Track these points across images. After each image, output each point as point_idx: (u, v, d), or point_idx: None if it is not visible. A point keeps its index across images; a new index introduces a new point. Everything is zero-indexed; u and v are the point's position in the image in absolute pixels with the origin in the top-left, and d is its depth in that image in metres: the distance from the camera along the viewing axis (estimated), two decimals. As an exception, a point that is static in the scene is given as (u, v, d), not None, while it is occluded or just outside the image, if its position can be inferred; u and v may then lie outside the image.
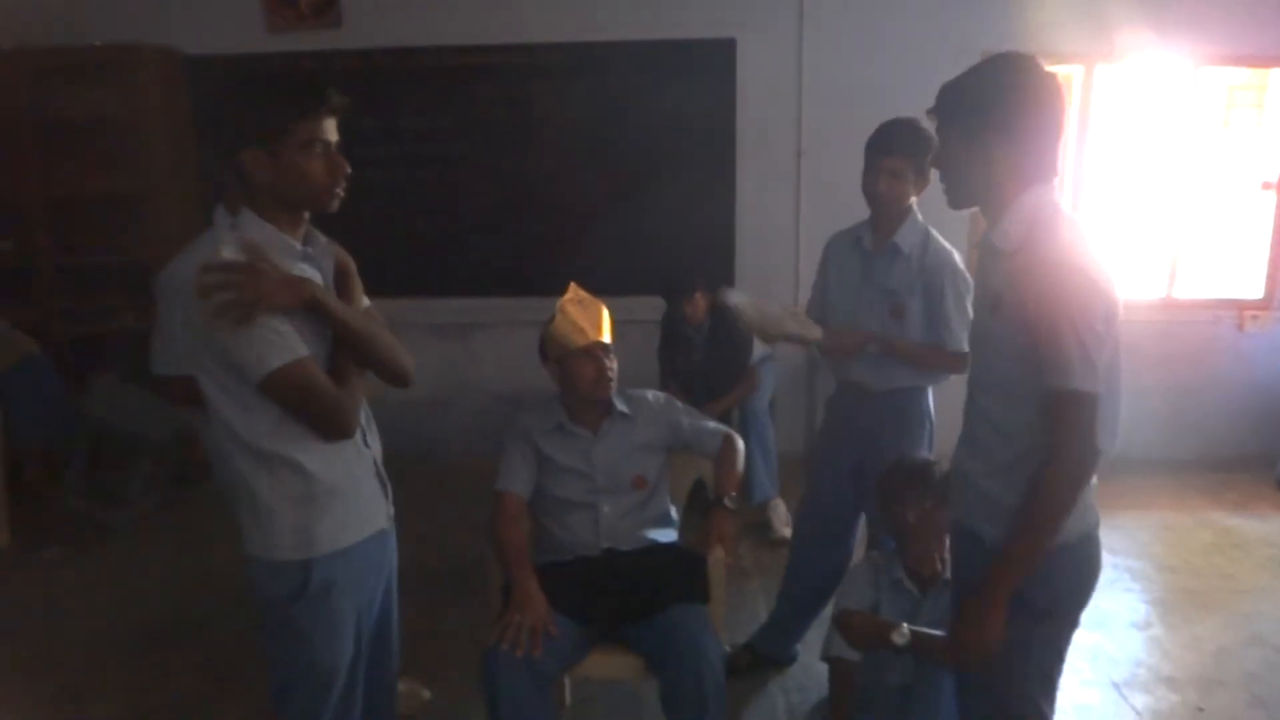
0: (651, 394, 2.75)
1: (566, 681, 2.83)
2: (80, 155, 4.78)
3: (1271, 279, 5.06)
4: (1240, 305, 5.07)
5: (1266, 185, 4.99)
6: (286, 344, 1.69)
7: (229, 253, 1.68)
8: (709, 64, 4.87)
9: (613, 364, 2.58)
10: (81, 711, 2.97)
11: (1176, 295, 5.08)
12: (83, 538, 4.21)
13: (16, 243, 4.82)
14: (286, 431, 1.75)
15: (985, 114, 1.72)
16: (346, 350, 1.82)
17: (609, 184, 5.04)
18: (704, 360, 4.30)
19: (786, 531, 4.25)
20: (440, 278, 5.19)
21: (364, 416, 1.91)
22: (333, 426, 1.79)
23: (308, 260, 1.82)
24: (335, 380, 1.78)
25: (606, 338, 2.57)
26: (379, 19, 4.91)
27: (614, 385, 2.60)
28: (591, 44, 4.89)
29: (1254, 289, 5.10)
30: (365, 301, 1.98)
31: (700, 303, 4.22)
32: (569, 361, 2.55)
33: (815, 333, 2.82)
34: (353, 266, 1.95)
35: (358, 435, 1.87)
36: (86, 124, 4.72)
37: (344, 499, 1.85)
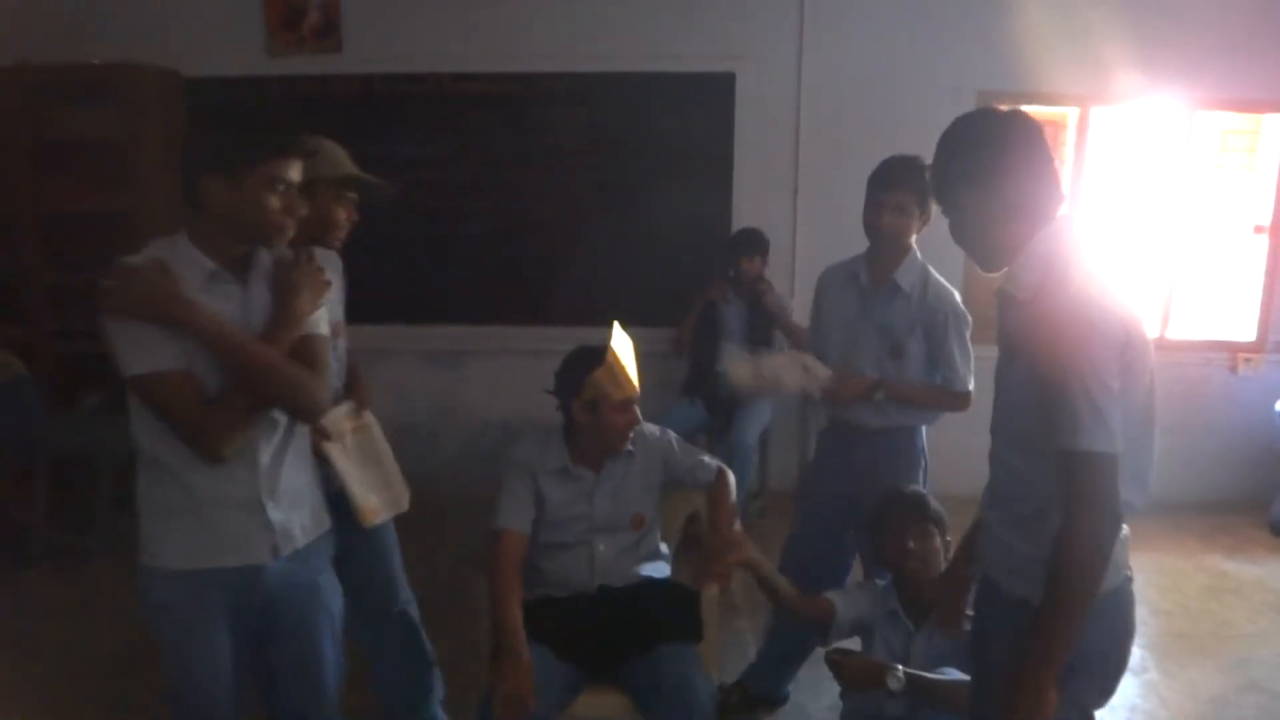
0: (649, 426, 2.70)
1: None
2: (75, 173, 4.75)
3: (1263, 322, 5.07)
4: (1233, 348, 5.08)
5: (1258, 229, 5.01)
6: (152, 354, 1.75)
7: (132, 259, 1.78)
8: (708, 97, 4.88)
9: (639, 417, 2.54)
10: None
11: (1170, 336, 5.08)
12: (61, 559, 4.14)
13: (7, 260, 4.78)
14: (164, 435, 1.81)
15: (966, 177, 1.72)
16: (232, 376, 1.82)
17: (606, 215, 5.04)
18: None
19: None
20: (433, 305, 5.16)
21: (265, 452, 1.89)
22: (193, 447, 1.80)
23: (216, 280, 1.83)
24: (219, 403, 1.79)
25: (637, 388, 2.52)
26: (379, 44, 4.92)
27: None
28: (591, 74, 4.91)
29: (1246, 332, 5.11)
30: (318, 327, 1.95)
31: (757, 266, 4.47)
32: (604, 409, 2.46)
33: (821, 373, 2.77)
34: (291, 288, 1.90)
35: (238, 464, 1.85)
36: (83, 142, 4.70)
37: (200, 521, 1.85)
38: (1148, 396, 1.68)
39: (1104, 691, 1.80)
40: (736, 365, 2.94)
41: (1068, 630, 1.61)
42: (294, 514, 1.96)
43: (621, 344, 2.51)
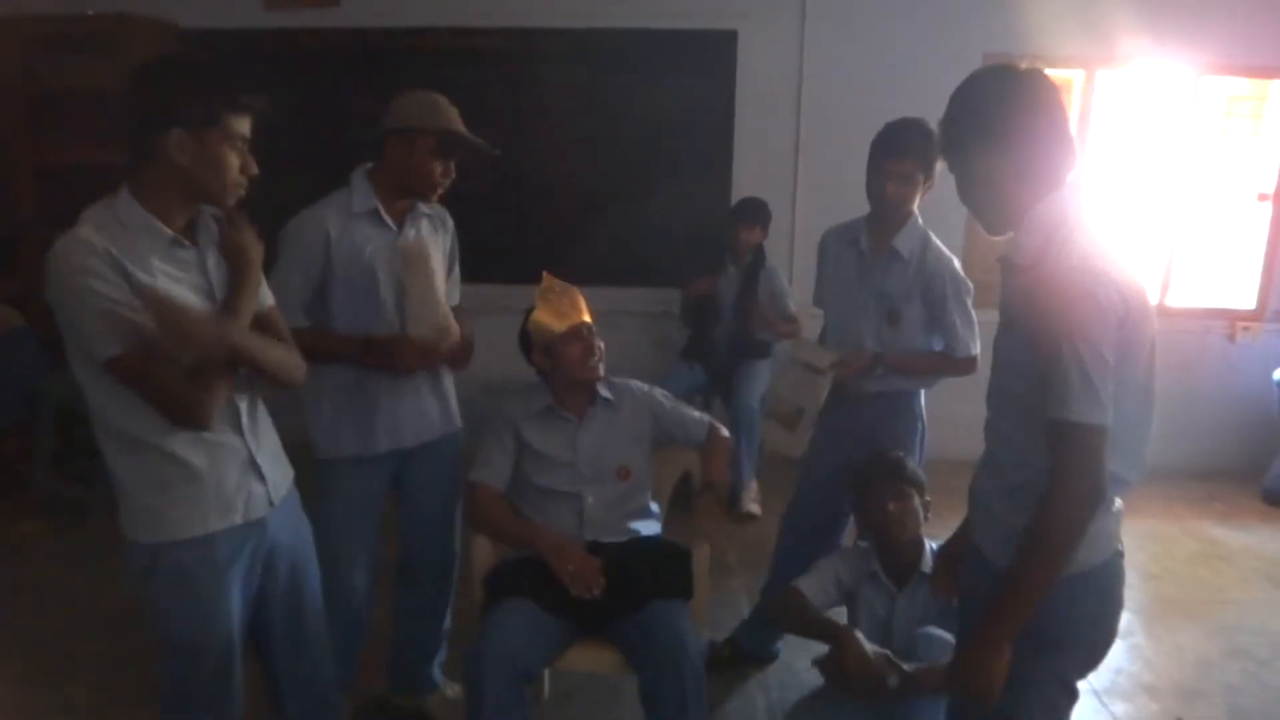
0: (635, 382, 2.74)
1: (545, 674, 2.81)
2: (71, 126, 4.71)
3: (1264, 290, 5.07)
4: (1232, 316, 5.07)
5: (1263, 196, 4.98)
6: (124, 333, 1.68)
7: (87, 232, 1.72)
8: (709, 55, 4.84)
9: (600, 344, 2.59)
10: (54, 690, 2.94)
11: (1169, 303, 5.08)
12: (61, 514, 4.17)
13: (3, 213, 4.75)
14: (144, 414, 1.75)
15: (980, 133, 1.67)
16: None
17: (604, 173, 5.01)
18: (733, 318, 4.46)
19: (754, 508, 4.31)
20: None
21: (243, 410, 1.89)
22: (177, 418, 1.77)
23: (178, 246, 1.79)
24: (196, 374, 1.75)
25: (588, 318, 2.58)
26: (377, -1, 4.86)
27: (602, 366, 2.59)
28: (592, 30, 4.85)
29: (1246, 300, 5.11)
30: (266, 298, 1.96)
31: (757, 236, 4.39)
32: (557, 346, 2.55)
33: (825, 361, 2.77)
34: (248, 255, 1.86)
35: (224, 425, 1.84)
36: (78, 94, 4.65)
37: (203, 487, 1.83)
38: (1147, 371, 1.65)
39: (1089, 663, 1.80)
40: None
41: (1033, 595, 1.63)
42: (276, 464, 1.99)
43: (552, 285, 2.62)
